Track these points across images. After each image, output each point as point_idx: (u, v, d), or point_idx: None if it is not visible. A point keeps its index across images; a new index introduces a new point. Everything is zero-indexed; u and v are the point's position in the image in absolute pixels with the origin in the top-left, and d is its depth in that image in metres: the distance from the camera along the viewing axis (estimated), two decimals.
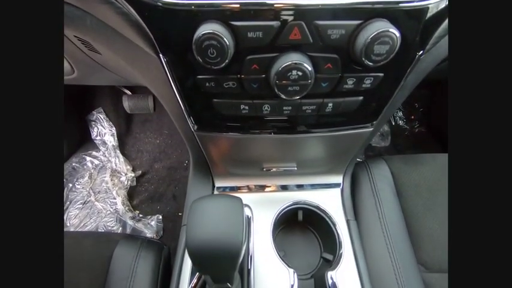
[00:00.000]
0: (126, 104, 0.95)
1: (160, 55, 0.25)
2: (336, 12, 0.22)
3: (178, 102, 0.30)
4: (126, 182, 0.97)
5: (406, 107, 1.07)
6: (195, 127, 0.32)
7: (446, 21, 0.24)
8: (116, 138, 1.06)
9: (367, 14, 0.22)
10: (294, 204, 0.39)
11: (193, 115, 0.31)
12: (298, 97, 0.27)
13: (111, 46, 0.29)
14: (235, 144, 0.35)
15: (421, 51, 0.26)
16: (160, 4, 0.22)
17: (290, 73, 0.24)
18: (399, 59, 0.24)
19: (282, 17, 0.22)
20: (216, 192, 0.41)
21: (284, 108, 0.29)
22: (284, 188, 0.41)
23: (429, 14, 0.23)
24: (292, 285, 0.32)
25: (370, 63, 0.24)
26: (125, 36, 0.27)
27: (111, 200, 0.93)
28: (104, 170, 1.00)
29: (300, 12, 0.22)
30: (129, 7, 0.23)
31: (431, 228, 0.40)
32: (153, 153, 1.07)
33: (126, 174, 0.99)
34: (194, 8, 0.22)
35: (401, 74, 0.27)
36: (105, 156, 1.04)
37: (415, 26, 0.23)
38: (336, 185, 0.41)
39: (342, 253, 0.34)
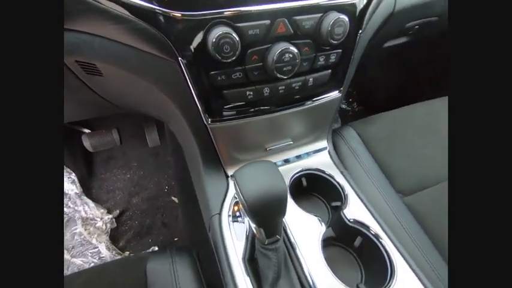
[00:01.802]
0: (88, 143, 0.89)
1: (179, 58, 0.30)
2: (305, 9, 0.32)
3: (194, 99, 0.34)
4: (104, 227, 0.88)
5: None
6: (209, 120, 0.37)
7: (370, 8, 0.36)
8: (78, 185, 0.96)
9: (326, 9, 0.33)
10: (299, 172, 0.46)
11: (207, 109, 0.36)
12: (290, 75, 0.35)
13: (122, 63, 0.33)
14: (242, 129, 0.41)
15: (360, 31, 0.38)
16: (179, 16, 0.28)
17: (284, 56, 0.32)
18: (349, 37, 0.36)
19: (271, 16, 0.31)
20: (230, 180, 0.45)
21: (279, 88, 0.37)
22: (286, 161, 0.48)
23: (360, 6, 0.35)
24: (321, 232, 0.38)
25: (334, 42, 0.34)
26: (139, 50, 0.31)
27: (91, 251, 0.83)
28: (72, 222, 0.89)
29: (283, 11, 0.31)
30: (146, 24, 0.28)
31: (399, 163, 0.53)
32: (126, 189, 1.00)
33: (101, 218, 0.90)
34: (208, 16, 0.28)
35: (351, 48, 0.39)
36: (70, 207, 0.92)
37: (354, 13, 0.35)
38: (324, 149, 0.51)
39: (347, 195, 0.43)
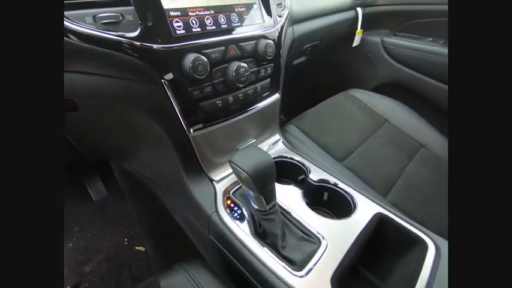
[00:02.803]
0: None
1: (163, 81, 0.37)
2: (246, 38, 0.46)
3: (176, 114, 0.41)
4: None
5: None
6: (191, 130, 0.44)
7: (282, 35, 0.54)
8: None
9: (258, 37, 0.47)
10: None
11: (188, 120, 0.43)
12: (245, 84, 0.47)
13: (106, 95, 0.36)
14: (216, 134, 0.48)
15: (281, 50, 0.55)
16: (162, 48, 0.36)
17: (239, 71, 0.44)
18: (276, 55, 0.51)
19: (224, 44, 0.43)
20: (216, 184, 0.50)
21: (239, 95, 0.48)
22: None
23: (277, 34, 0.52)
24: (300, 192, 0.49)
25: (268, 57, 0.49)
26: (122, 79, 0.36)
27: None
28: None
29: (232, 40, 0.44)
30: (133, 57, 0.35)
31: (330, 140, 0.71)
32: (72, 259, 0.84)
33: None
34: (185, 47, 0.38)
35: (279, 62, 0.55)
36: None
37: (275, 39, 0.51)
38: (278, 141, 0.64)
39: (308, 167, 0.56)
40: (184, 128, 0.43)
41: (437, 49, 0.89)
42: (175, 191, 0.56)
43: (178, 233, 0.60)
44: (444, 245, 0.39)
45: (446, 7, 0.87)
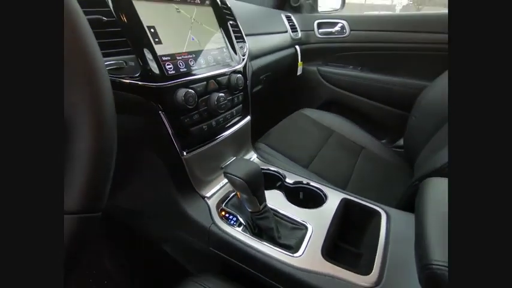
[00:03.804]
0: None
1: (160, 112, 0.44)
2: (221, 74, 0.56)
3: (171, 139, 0.47)
4: None
5: None
6: (184, 153, 0.50)
7: (246, 69, 0.67)
8: None
9: (230, 72, 0.59)
10: None
11: (181, 144, 0.49)
12: (225, 110, 0.56)
13: None
14: (205, 155, 0.55)
15: (248, 81, 0.67)
16: (161, 86, 0.43)
17: (219, 100, 0.54)
18: (244, 85, 0.63)
19: (206, 80, 0.52)
20: (207, 200, 0.55)
21: (220, 120, 0.57)
22: None
23: (243, 69, 0.64)
24: (282, 194, 0.58)
25: (240, 87, 0.60)
26: (125, 114, 0.41)
27: None
28: None
29: (211, 77, 0.53)
30: (137, 95, 0.41)
31: (295, 150, 0.84)
32: None
33: None
34: (178, 84, 0.45)
35: (247, 90, 0.67)
36: None
37: (241, 73, 0.63)
38: (253, 156, 0.73)
39: (283, 174, 0.66)
40: (178, 152, 0.49)
41: (357, 74, 1.17)
42: (167, 216, 0.58)
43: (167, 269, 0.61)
44: (392, 212, 0.53)
45: (361, 44, 1.17)
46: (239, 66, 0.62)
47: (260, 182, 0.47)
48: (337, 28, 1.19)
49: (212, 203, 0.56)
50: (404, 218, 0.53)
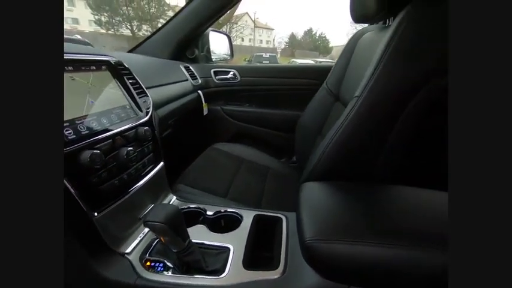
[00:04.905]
0: None
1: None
2: (129, 129, 0.60)
3: (78, 202, 0.46)
4: None
5: None
6: (95, 214, 0.49)
7: (153, 120, 0.73)
8: None
9: (137, 126, 0.63)
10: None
11: (91, 205, 0.48)
12: (136, 162, 0.60)
13: None
14: (119, 210, 0.55)
15: (156, 131, 0.72)
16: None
17: (129, 153, 0.57)
18: (153, 135, 0.69)
19: (112, 137, 0.55)
20: (128, 256, 0.54)
21: (132, 172, 0.59)
22: None
23: (148, 121, 0.70)
24: (205, 226, 0.64)
25: (148, 138, 0.65)
26: None
27: None
28: None
29: (118, 133, 0.56)
30: None
31: (212, 182, 0.93)
32: None
33: None
34: (81, 147, 0.46)
35: (156, 139, 0.72)
36: None
37: (147, 124, 0.69)
38: (173, 199, 0.77)
39: (203, 208, 0.73)
40: (87, 214, 0.48)
41: (253, 109, 1.44)
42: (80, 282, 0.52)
43: None
44: (289, 215, 0.70)
45: (251, 87, 1.46)
46: (145, 119, 0.67)
47: (180, 221, 0.52)
48: (230, 75, 1.44)
49: (134, 257, 0.55)
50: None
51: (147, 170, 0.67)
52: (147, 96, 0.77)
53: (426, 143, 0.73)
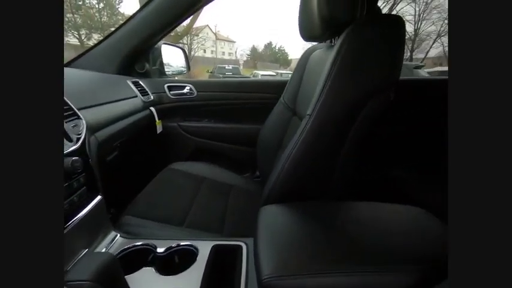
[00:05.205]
0: None
1: None
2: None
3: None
4: None
5: None
6: None
7: (87, 147, 0.62)
8: None
9: (67, 154, 0.53)
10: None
11: None
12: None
13: None
14: None
15: (89, 160, 0.62)
16: None
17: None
18: (86, 165, 0.58)
19: None
20: None
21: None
22: None
23: (80, 149, 0.60)
24: (153, 268, 0.55)
25: (78, 170, 0.55)
26: None
27: None
28: None
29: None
30: None
31: (167, 210, 0.83)
32: None
33: None
34: None
35: (91, 170, 0.62)
36: None
37: (80, 153, 0.59)
38: (116, 236, 0.66)
39: (153, 245, 0.63)
40: None
41: (212, 124, 1.38)
42: None
43: None
44: (250, 241, 0.65)
45: (208, 102, 1.40)
46: (73, 148, 0.57)
47: (116, 272, 0.43)
48: (186, 89, 1.37)
49: None
50: None
51: (79, 207, 0.56)
52: (79, 118, 0.66)
53: (376, 155, 0.77)
